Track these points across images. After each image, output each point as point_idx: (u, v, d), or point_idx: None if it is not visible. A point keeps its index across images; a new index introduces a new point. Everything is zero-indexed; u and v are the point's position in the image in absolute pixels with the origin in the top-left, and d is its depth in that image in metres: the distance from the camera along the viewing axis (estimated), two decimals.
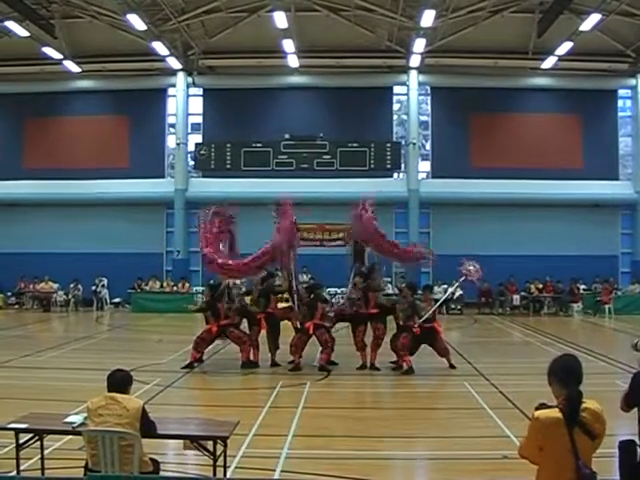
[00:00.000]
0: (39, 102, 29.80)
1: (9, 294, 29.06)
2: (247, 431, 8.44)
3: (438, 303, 14.65)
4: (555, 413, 4.16)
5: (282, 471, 7.23)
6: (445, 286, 25.53)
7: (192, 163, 30.57)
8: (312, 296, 14.17)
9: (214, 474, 6.09)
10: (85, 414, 5.93)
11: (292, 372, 13.52)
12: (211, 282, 16.10)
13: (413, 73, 29.35)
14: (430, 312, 13.78)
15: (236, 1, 26.53)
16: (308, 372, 13.55)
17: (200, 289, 25.91)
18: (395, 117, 31.30)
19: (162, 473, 6.07)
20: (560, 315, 27.19)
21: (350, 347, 16.72)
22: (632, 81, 29.48)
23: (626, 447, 4.78)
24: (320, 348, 14.12)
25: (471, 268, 14.64)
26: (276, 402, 10.87)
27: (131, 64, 29.23)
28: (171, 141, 30.51)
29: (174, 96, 30.24)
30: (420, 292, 15.29)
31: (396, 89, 30.64)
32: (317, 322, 13.89)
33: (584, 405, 4.17)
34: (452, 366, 13.85)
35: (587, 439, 4.10)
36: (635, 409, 5.19)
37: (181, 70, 29.50)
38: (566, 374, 4.33)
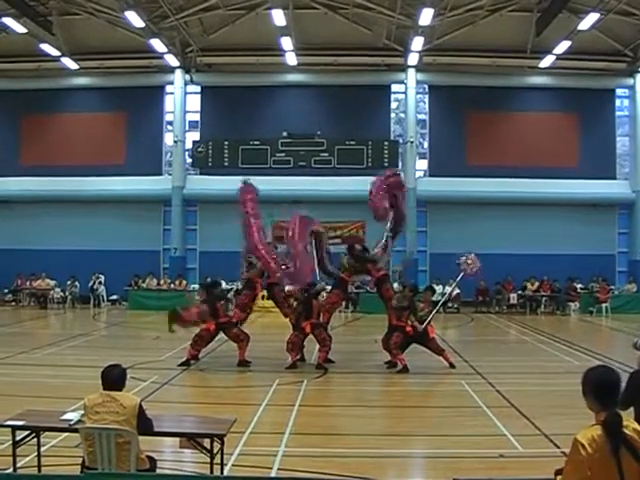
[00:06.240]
0: (37, 99, 29.73)
1: (6, 291, 29.01)
2: (244, 429, 8.44)
3: (438, 306, 14.53)
4: (597, 431, 3.80)
5: (279, 469, 7.24)
6: (441, 286, 25.54)
7: (190, 160, 30.55)
8: (307, 295, 14.20)
9: (211, 472, 6.09)
10: (82, 411, 5.93)
11: (289, 370, 13.52)
12: (207, 280, 16.08)
13: (411, 71, 29.31)
14: (431, 316, 13.76)
15: None
16: (305, 370, 13.56)
17: (197, 287, 25.89)
18: (393, 115, 31.28)
19: (159, 471, 6.07)
20: (557, 314, 27.21)
21: (347, 345, 16.76)
22: (630, 80, 29.46)
23: None
24: (317, 346, 14.17)
25: (469, 262, 14.52)
26: (273, 400, 10.87)
27: (129, 61, 29.18)
28: (169, 138, 30.42)
29: (172, 93, 30.16)
30: (420, 292, 15.22)
31: (394, 87, 30.60)
32: (314, 321, 13.94)
33: (625, 422, 3.83)
34: (452, 365, 13.78)
35: (633, 461, 3.72)
36: (631, 408, 5.21)
37: (179, 67, 29.43)
38: (601, 391, 3.94)
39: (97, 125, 30.18)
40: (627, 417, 3.99)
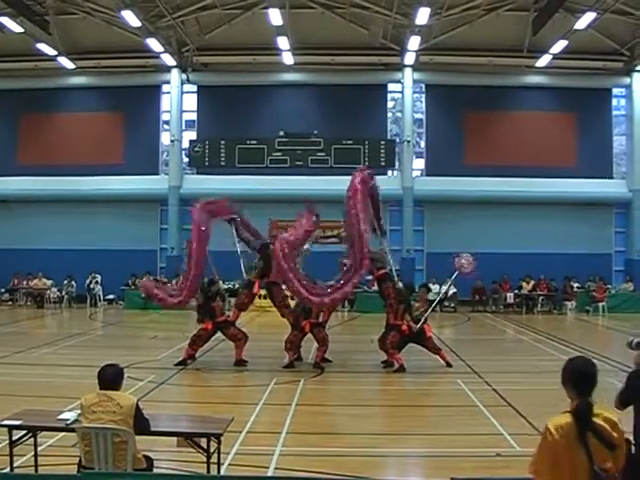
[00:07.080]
0: (33, 98, 29.68)
1: (3, 290, 28.97)
2: (241, 428, 8.44)
3: (433, 305, 14.53)
4: (566, 418, 4.02)
5: (276, 468, 7.25)
6: (437, 286, 25.52)
7: (186, 160, 30.55)
8: None
9: (208, 471, 6.09)
10: (79, 411, 5.93)
11: (286, 369, 13.53)
12: (205, 279, 16.03)
13: (408, 71, 29.32)
14: (427, 315, 13.78)
15: None
16: (302, 369, 13.58)
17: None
18: (390, 115, 31.29)
19: (155, 470, 6.06)
20: (554, 313, 27.21)
21: (344, 344, 16.73)
22: (626, 80, 29.47)
23: None
24: (316, 345, 14.16)
25: (464, 261, 14.54)
26: (270, 399, 10.87)
27: (125, 61, 29.15)
28: (165, 138, 30.41)
29: (168, 93, 30.13)
30: (416, 291, 15.23)
31: (391, 87, 30.60)
32: (313, 321, 13.94)
33: (597, 411, 4.00)
34: (448, 364, 13.83)
35: (603, 448, 3.92)
36: (630, 407, 5.22)
37: (175, 67, 29.40)
38: (579, 379, 4.13)
39: (94, 124, 30.14)
40: (601, 406, 4.09)
